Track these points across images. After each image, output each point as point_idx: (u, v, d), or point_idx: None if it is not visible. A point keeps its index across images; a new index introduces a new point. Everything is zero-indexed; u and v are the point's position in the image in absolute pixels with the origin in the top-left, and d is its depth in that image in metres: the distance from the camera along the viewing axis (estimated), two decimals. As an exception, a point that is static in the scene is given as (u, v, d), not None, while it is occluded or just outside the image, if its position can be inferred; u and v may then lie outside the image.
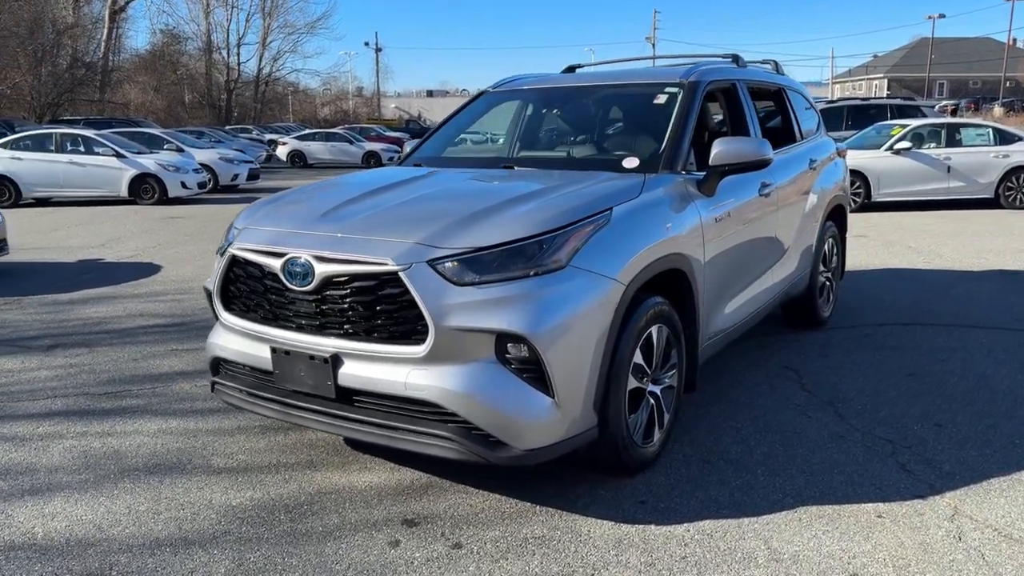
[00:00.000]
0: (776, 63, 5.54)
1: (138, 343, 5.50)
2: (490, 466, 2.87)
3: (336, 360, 2.91)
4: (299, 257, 2.93)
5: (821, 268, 5.43)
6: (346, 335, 2.90)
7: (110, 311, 6.46)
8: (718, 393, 4.27)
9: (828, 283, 5.63)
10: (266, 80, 59.08)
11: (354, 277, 2.85)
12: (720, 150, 3.69)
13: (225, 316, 3.28)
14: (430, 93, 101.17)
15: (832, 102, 19.65)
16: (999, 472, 3.31)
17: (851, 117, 16.73)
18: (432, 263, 2.75)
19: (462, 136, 4.78)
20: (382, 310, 2.82)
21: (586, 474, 3.28)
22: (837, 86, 76.36)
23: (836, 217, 5.69)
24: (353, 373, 2.89)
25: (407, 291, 2.74)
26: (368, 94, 79.27)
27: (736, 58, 4.86)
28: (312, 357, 2.95)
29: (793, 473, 3.33)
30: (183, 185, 16.18)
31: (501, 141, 4.76)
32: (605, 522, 2.94)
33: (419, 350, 2.76)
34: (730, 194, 3.92)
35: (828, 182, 5.37)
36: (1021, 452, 3.50)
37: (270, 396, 3.16)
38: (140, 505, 3.12)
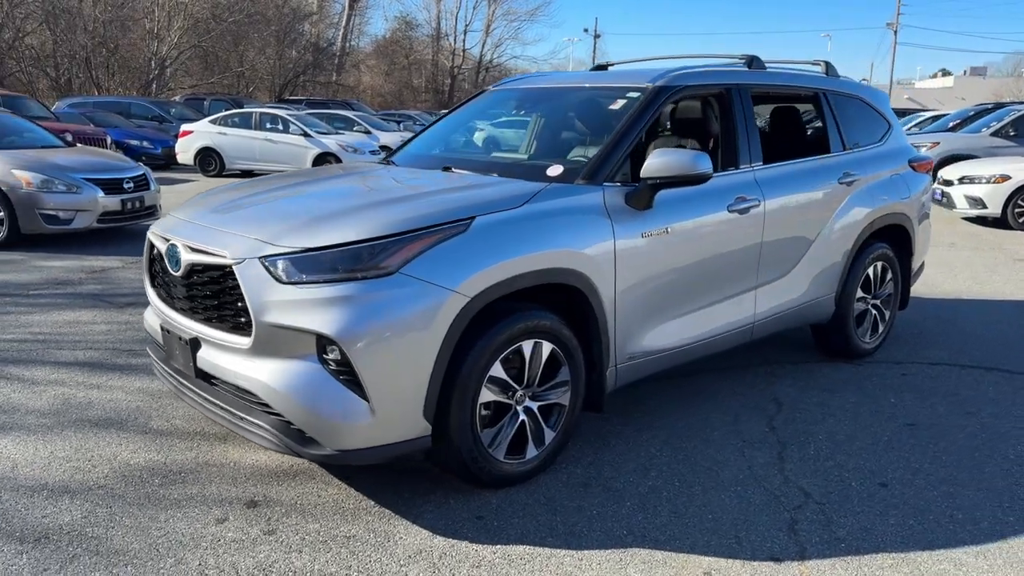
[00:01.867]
0: (827, 64, 5.04)
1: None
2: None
3: (195, 343, 3.14)
4: (176, 244, 3.18)
5: (860, 294, 4.89)
6: (203, 320, 3.12)
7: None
8: (670, 418, 4.03)
9: (874, 312, 5.06)
10: (487, 66, 61.37)
11: (206, 268, 3.05)
12: (650, 162, 3.49)
13: (148, 292, 3.62)
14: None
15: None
16: (895, 547, 2.89)
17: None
18: (263, 259, 2.88)
19: (482, 133, 4.82)
20: (224, 300, 3.00)
21: (455, 482, 3.27)
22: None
23: (892, 238, 5.09)
24: (205, 357, 3.10)
25: (239, 284, 2.90)
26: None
27: (751, 60, 4.49)
28: (180, 338, 3.20)
29: (662, 511, 3.11)
30: (359, 164, 17.38)
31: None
32: (424, 531, 2.94)
33: (245, 342, 2.91)
34: (676, 209, 3.68)
35: (874, 199, 4.80)
36: (949, 528, 3.02)
37: (167, 370, 3.45)
38: (61, 452, 3.53)
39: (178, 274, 3.18)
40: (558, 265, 3.20)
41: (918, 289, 6.92)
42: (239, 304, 2.93)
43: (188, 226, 3.27)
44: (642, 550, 2.84)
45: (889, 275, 5.11)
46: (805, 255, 4.44)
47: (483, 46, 60.73)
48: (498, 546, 2.85)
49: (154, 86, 30.44)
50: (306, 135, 17.35)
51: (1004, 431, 3.95)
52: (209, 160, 17.57)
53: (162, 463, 3.45)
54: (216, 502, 3.12)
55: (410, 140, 4.73)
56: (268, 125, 17.92)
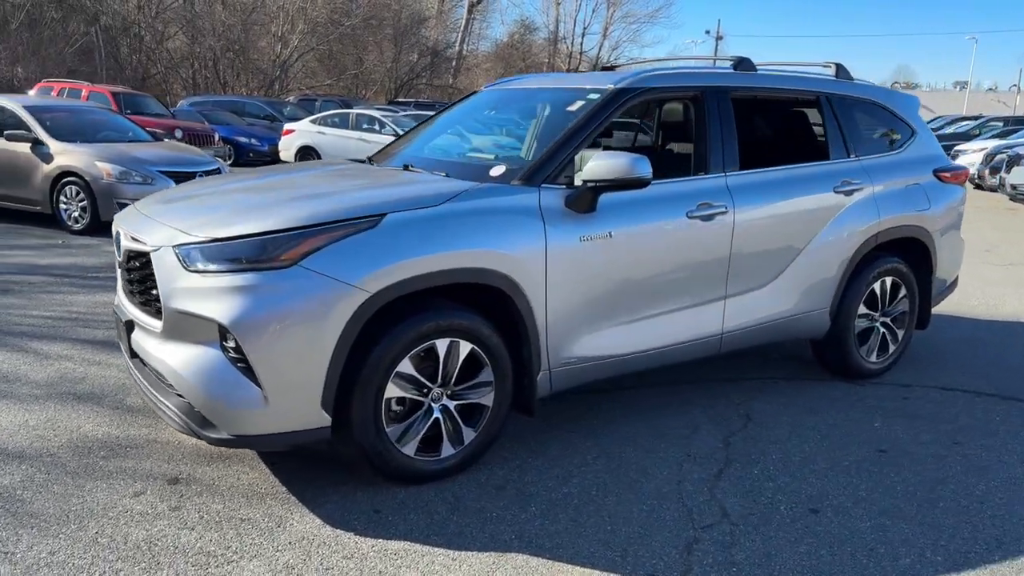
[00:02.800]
0: (838, 67, 4.77)
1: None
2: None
3: (130, 325, 3.33)
4: (120, 232, 3.39)
5: (863, 310, 4.61)
6: (136, 304, 3.31)
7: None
8: (623, 426, 3.94)
9: (883, 330, 4.75)
10: (603, 69, 61.08)
11: (137, 255, 3.23)
12: (589, 165, 3.43)
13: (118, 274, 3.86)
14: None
15: None
16: (794, 571, 2.72)
17: None
18: (176, 247, 3.02)
19: (461, 132, 4.86)
20: (148, 286, 3.17)
21: (369, 474, 3.32)
22: None
23: (907, 252, 4.77)
24: (136, 338, 3.28)
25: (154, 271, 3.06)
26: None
27: (739, 62, 4.32)
28: (121, 319, 3.40)
29: (562, 519, 3.05)
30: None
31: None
32: (316, 520, 3.00)
33: (159, 326, 3.06)
34: (624, 213, 3.60)
35: (881, 209, 4.50)
36: (861, 561, 2.82)
37: (123, 349, 3.67)
38: (33, 421, 3.81)
39: (120, 259, 3.38)
40: (474, 265, 3.19)
41: (959, 308, 6.46)
42: (154, 291, 3.09)
43: (136, 216, 3.47)
44: (520, 555, 2.80)
45: (902, 292, 4.77)
46: (790, 266, 4.23)
47: (600, 49, 60.53)
48: (380, 540, 2.88)
49: (276, 87, 32.03)
50: (397, 136, 17.83)
51: (985, 465, 3.64)
52: (308, 158, 18.34)
53: (115, 437, 3.66)
54: (143, 476, 3.30)
55: (396, 139, 4.81)
56: (364, 125, 18.51)
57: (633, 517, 3.08)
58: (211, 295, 2.91)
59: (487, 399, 3.36)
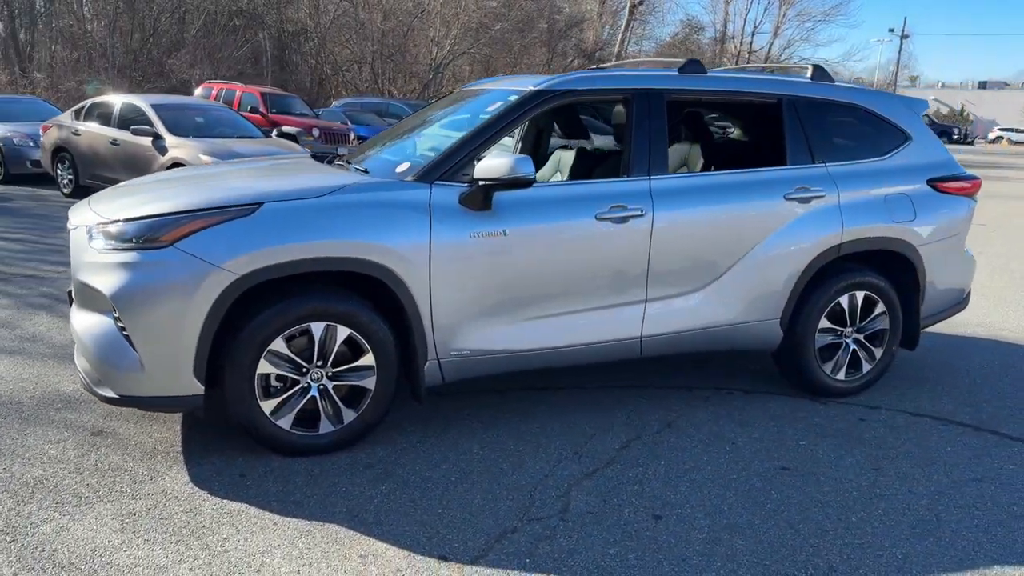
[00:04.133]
0: (815, 68, 4.56)
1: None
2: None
3: (70, 295, 3.80)
4: (70, 215, 3.87)
5: (826, 324, 4.38)
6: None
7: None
8: (529, 421, 4.01)
9: (854, 346, 4.48)
10: (772, 69, 58.86)
11: (72, 233, 3.70)
12: (480, 164, 3.56)
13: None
14: (983, 85, 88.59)
15: None
16: (580, 574, 2.74)
17: None
18: (89, 228, 3.44)
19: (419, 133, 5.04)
20: (77, 261, 3.63)
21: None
22: None
23: (886, 266, 4.49)
24: (72, 308, 3.76)
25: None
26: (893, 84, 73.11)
27: (686, 64, 4.25)
28: (69, 291, 3.89)
29: (402, 499, 3.20)
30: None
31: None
32: (183, 477, 3.32)
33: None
34: (522, 212, 3.68)
35: (847, 218, 4.26)
36: (664, 569, 2.78)
37: None
38: (25, 373, 4.40)
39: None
40: (348, 255, 3.40)
41: (974, 327, 5.91)
42: (76, 264, 3.54)
43: (87, 202, 3.94)
44: (334, 526, 2.99)
45: (879, 308, 4.48)
46: (727, 273, 4.11)
47: (770, 48, 58.30)
48: (225, 500, 3.15)
49: (428, 90, 33.44)
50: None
51: (885, 494, 3.41)
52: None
53: (80, 395, 4.16)
54: (74, 427, 3.76)
55: (372, 139, 5.08)
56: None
57: (471, 504, 3.18)
58: (103, 269, 3.30)
59: (368, 383, 3.56)
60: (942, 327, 5.68)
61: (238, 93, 18.81)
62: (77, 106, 12.34)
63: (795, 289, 4.25)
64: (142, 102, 11.02)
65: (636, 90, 4.03)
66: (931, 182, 4.57)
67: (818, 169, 4.32)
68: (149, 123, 10.51)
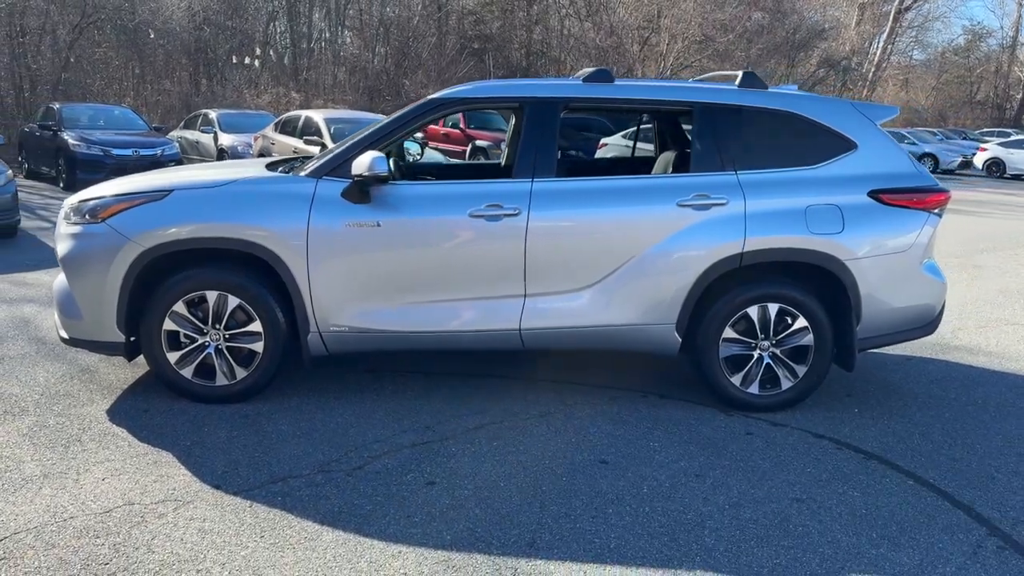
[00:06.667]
0: (745, 75, 4.49)
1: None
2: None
3: (70, 260, 4.85)
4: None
5: (732, 335, 4.30)
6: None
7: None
8: (394, 395, 4.42)
9: (768, 360, 4.35)
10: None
11: (65, 212, 4.74)
12: (354, 162, 4.08)
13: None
14: None
15: None
16: (303, 529, 3.17)
17: None
18: (68, 206, 4.43)
19: None
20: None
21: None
22: None
23: (808, 280, 4.32)
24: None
25: (60, 224, 4.52)
26: None
27: (592, 74, 4.42)
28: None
29: (233, 446, 3.80)
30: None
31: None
32: (106, 407, 4.18)
33: (60, 261, 4.52)
34: (397, 206, 4.14)
35: (751, 227, 4.15)
36: (376, 528, 3.13)
37: None
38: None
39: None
40: (232, 235, 4.08)
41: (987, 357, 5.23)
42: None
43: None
44: (169, 454, 3.66)
45: (798, 323, 4.30)
46: (612, 276, 4.22)
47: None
48: (114, 426, 3.95)
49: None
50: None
51: (669, 495, 3.41)
52: None
53: (96, 367, 5.22)
54: (73, 363, 4.79)
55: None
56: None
57: (283, 452, 3.71)
58: (63, 239, 4.27)
59: (257, 347, 4.22)
60: (945, 353, 5.16)
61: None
62: (276, 119, 14.35)
63: (690, 295, 4.24)
64: (316, 115, 12.62)
65: (527, 98, 4.31)
66: (873, 193, 4.30)
67: (726, 177, 4.27)
68: (319, 133, 12.03)
